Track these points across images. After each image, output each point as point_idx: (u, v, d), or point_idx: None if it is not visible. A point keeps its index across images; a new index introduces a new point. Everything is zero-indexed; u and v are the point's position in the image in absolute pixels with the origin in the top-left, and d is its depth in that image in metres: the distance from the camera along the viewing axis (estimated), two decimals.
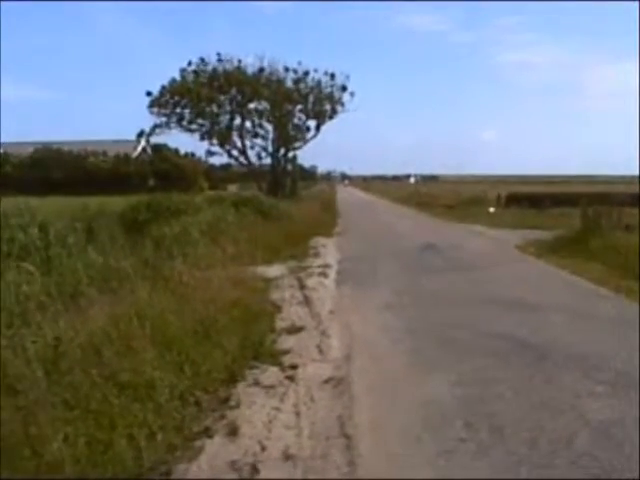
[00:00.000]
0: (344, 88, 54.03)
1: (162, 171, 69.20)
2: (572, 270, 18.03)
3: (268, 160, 55.38)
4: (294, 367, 9.26)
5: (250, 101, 52.42)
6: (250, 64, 52.15)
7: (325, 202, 59.76)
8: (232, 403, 7.70)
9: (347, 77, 54.25)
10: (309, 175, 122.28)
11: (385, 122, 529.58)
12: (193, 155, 79.50)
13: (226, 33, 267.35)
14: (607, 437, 6.64)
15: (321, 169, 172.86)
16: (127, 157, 71.91)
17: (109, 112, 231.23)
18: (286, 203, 39.62)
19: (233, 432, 6.82)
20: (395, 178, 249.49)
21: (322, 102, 53.92)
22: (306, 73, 53.22)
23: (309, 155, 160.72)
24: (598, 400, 7.78)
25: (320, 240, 26.92)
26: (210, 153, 54.67)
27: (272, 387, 8.37)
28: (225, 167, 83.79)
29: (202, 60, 51.29)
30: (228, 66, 51.39)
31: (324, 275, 17.65)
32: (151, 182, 65.81)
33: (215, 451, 6.39)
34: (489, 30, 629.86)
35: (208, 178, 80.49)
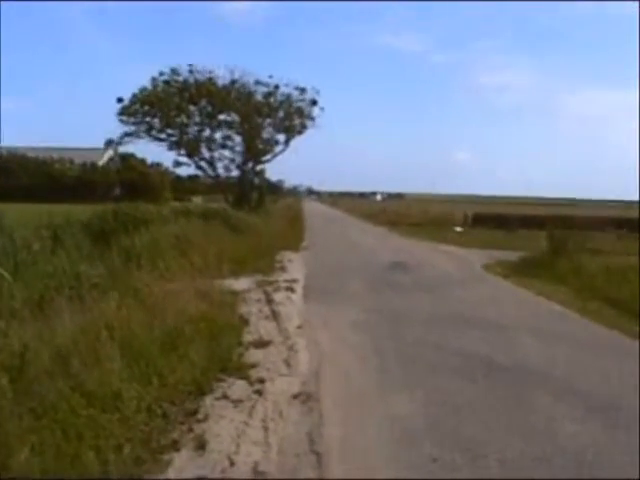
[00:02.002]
0: (314, 103, 53.95)
1: (128, 180, 68.75)
2: (539, 291, 18.13)
3: (236, 172, 55.15)
4: (262, 381, 9.20)
5: (220, 113, 52.16)
6: (221, 76, 52.02)
7: (292, 217, 59.74)
8: (200, 416, 7.62)
9: (317, 92, 54.22)
10: (276, 189, 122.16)
11: (356, 139, 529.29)
12: (159, 165, 79.07)
13: (198, 46, 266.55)
14: (580, 460, 6.64)
15: (287, 184, 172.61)
16: (94, 165, 71.37)
17: (77, 120, 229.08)
18: (253, 216, 39.54)
19: (201, 446, 6.74)
20: (362, 195, 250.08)
21: (292, 116, 53.82)
22: (276, 87, 53.07)
23: (276, 169, 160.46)
24: (564, 422, 7.79)
25: (287, 254, 26.84)
26: (178, 163, 54.30)
27: (240, 401, 8.30)
28: (192, 178, 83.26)
29: (173, 70, 51.07)
30: (199, 77, 51.21)
31: (291, 290, 17.58)
32: (117, 191, 65.46)
33: (183, 465, 6.31)
34: (466, 52, 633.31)
35: (174, 189, 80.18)
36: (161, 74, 51.08)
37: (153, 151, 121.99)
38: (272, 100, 53.27)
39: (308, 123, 54.43)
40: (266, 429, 7.36)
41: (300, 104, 53.91)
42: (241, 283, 18.01)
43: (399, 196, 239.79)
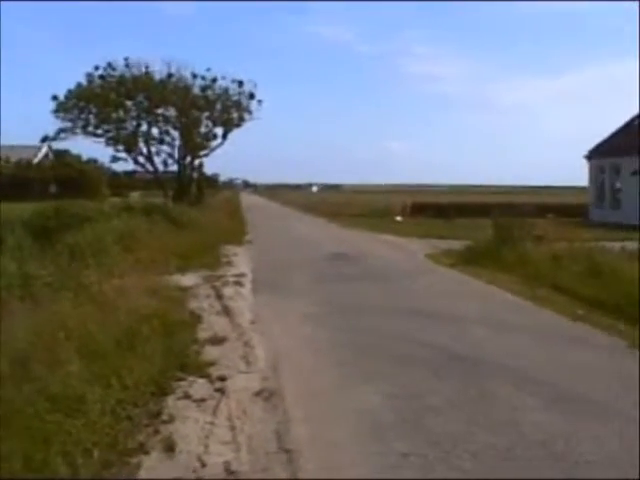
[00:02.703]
0: (252, 96, 53.83)
1: (64, 177, 67.67)
2: (488, 280, 18.21)
3: (174, 167, 54.81)
4: (222, 379, 9.09)
5: (157, 107, 51.77)
6: (158, 70, 51.63)
7: (232, 210, 59.52)
8: (164, 417, 7.49)
9: (255, 85, 54.11)
10: (212, 183, 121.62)
11: (288, 131, 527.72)
12: (96, 161, 78.19)
13: (132, 39, 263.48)
14: (546, 450, 6.64)
15: (223, 177, 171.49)
16: (28, 163, 70.26)
17: (11, 117, 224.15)
18: (194, 211, 39.32)
19: (170, 448, 6.61)
20: (298, 187, 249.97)
21: (229, 110, 53.60)
22: (214, 80, 52.83)
23: (211, 163, 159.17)
24: (528, 412, 7.81)
25: (231, 249, 26.72)
26: (115, 159, 53.74)
27: (203, 400, 8.19)
28: (129, 174, 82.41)
29: (109, 65, 50.51)
30: (136, 71, 50.71)
31: (240, 284, 17.50)
32: (52, 188, 64.49)
33: (153, 468, 6.18)
34: (395, 42, 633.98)
35: (111, 185, 79.21)
36: (96, 69, 50.56)
37: (90, 147, 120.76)
38: (209, 93, 53.03)
39: (246, 116, 54.32)
40: (233, 428, 7.26)
41: (238, 97, 53.75)
42: (189, 279, 17.88)
43: (335, 187, 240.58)
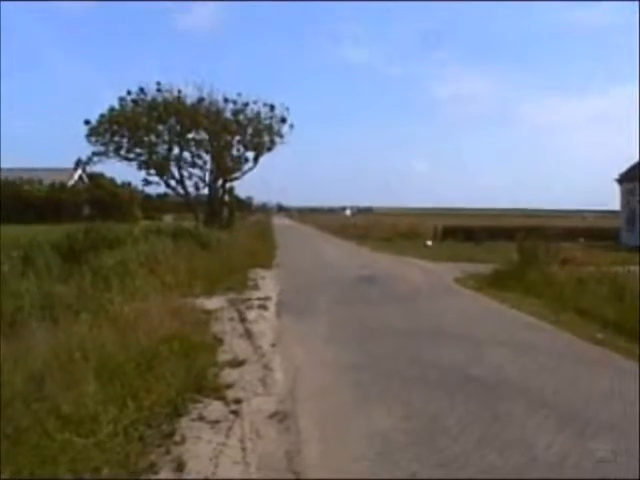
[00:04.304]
0: (283, 120, 54.02)
1: (97, 200, 68.34)
2: (512, 304, 18.20)
3: (206, 190, 55.05)
4: (238, 401, 9.13)
5: (189, 131, 52.04)
6: (189, 94, 52.03)
7: (262, 233, 59.61)
8: (177, 438, 7.55)
9: (287, 109, 54.33)
10: (245, 206, 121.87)
11: (322, 154, 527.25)
12: (129, 184, 78.78)
13: (160, 63, 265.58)
14: (559, 472, 6.64)
15: (256, 200, 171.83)
16: (63, 185, 70.91)
17: (46, 140, 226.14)
18: (224, 234, 39.40)
19: (179, 468, 6.68)
20: (330, 210, 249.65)
21: (261, 134, 53.79)
22: (245, 104, 53.11)
23: (245, 186, 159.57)
24: (546, 434, 7.80)
25: (259, 272, 26.77)
26: (147, 182, 54.02)
27: (217, 422, 8.24)
28: (161, 196, 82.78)
29: (141, 90, 50.99)
30: (167, 95, 51.14)
31: (264, 308, 17.55)
32: (86, 210, 65.08)
33: None
34: (420, 64, 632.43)
35: (143, 208, 79.71)
36: (129, 93, 51.02)
37: (123, 171, 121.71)
38: (241, 117, 53.25)
39: (277, 140, 54.49)
40: (244, 449, 7.31)
41: (269, 121, 53.95)
42: (214, 301, 17.96)
43: (368, 210, 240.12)
